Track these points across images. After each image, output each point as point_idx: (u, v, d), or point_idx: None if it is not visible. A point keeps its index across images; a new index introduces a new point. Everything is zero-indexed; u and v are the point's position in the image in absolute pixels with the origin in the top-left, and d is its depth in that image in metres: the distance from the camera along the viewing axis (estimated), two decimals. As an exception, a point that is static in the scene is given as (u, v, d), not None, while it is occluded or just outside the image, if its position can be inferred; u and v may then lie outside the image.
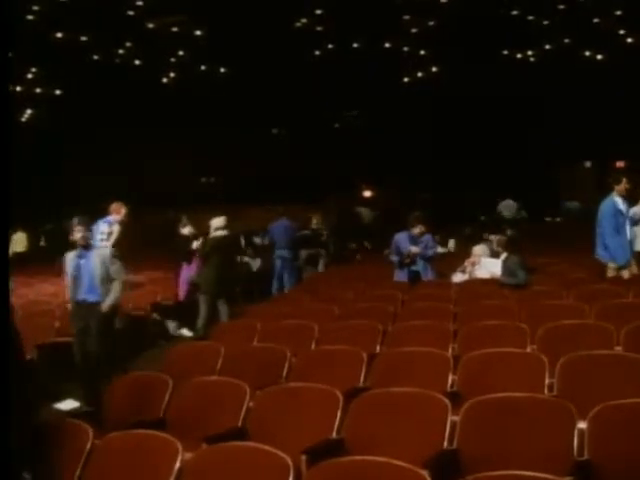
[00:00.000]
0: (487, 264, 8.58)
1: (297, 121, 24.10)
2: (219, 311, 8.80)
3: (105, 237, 8.86)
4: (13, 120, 20.72)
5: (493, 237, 8.60)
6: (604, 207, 7.91)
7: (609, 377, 4.24)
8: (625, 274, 7.78)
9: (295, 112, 23.14)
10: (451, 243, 11.74)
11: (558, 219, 22.11)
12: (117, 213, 9.22)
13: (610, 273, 7.85)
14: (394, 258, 9.09)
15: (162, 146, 22.81)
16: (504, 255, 8.36)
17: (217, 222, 9.40)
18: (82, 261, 6.69)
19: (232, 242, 9.62)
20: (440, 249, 11.02)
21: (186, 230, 10.76)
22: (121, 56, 20.35)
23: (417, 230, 8.87)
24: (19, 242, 17.91)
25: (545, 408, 3.67)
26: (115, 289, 6.65)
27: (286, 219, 12.23)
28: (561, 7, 18.27)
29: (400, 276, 9.00)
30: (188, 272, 10.36)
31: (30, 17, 16.30)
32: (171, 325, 9.90)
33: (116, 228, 9.05)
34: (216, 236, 9.25)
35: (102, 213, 9.32)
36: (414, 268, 8.90)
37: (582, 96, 20.90)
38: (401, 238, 8.98)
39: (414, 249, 8.80)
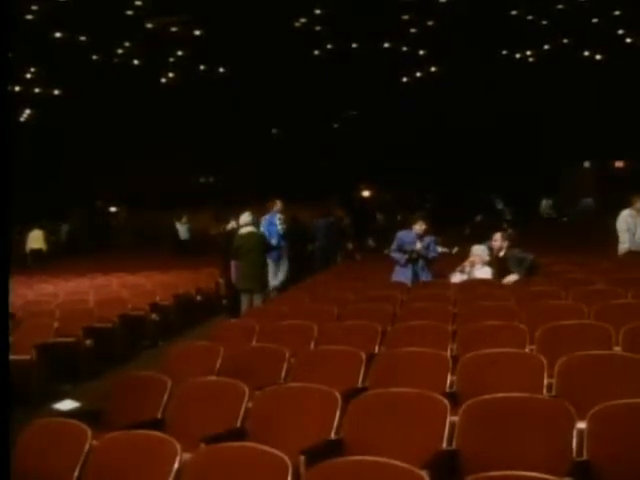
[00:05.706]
0: (478, 272, 8.53)
1: (297, 121, 24.08)
2: (254, 303, 9.29)
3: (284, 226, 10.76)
4: (12, 120, 20.71)
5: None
6: None
7: (608, 377, 4.24)
8: None
9: (295, 112, 23.13)
10: (456, 249, 11.77)
11: (565, 219, 22.04)
12: (277, 207, 10.76)
13: None
14: (398, 255, 8.86)
15: (162, 146, 22.80)
16: (505, 250, 8.35)
17: (242, 219, 9.68)
18: None
19: (258, 238, 9.64)
20: (440, 249, 11.00)
21: (229, 225, 11.17)
22: (120, 56, 20.35)
23: (418, 227, 8.78)
24: (36, 239, 18.55)
25: (544, 408, 3.66)
26: None
27: (331, 217, 14.51)
28: (561, 7, 18.28)
29: (401, 276, 8.83)
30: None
31: (30, 17, 16.30)
32: None
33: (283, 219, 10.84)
34: (242, 233, 9.47)
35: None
36: (416, 267, 8.83)
37: (581, 96, 20.90)
38: (405, 236, 8.87)
39: (418, 246, 8.76)
